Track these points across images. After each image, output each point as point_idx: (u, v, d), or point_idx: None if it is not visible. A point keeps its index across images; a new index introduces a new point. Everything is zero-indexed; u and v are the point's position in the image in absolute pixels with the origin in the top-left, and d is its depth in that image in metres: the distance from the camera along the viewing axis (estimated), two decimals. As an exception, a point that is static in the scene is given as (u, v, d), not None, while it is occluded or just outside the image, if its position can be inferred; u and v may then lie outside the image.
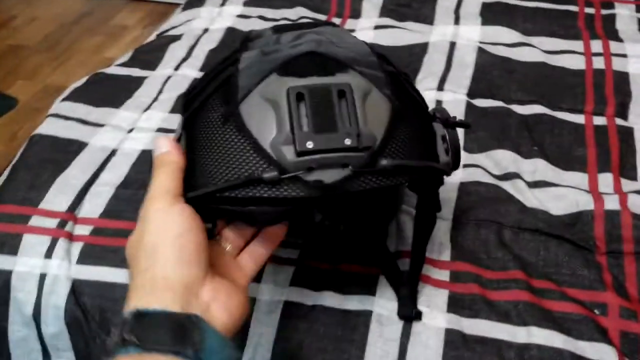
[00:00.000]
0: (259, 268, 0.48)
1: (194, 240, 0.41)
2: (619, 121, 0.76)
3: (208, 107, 0.45)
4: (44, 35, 2.11)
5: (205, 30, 0.99)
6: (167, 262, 0.40)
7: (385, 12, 1.01)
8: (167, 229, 0.41)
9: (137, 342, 0.35)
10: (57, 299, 0.64)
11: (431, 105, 0.81)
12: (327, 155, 0.40)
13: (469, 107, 0.79)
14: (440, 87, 0.83)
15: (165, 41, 0.98)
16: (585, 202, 0.65)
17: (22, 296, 0.65)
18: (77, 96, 0.87)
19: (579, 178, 0.69)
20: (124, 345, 0.36)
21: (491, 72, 0.85)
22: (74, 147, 0.78)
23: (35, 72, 1.93)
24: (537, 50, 0.89)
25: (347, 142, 0.40)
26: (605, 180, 0.69)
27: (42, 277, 0.65)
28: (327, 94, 0.41)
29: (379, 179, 0.41)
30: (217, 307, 0.40)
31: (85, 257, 0.66)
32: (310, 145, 0.40)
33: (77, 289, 0.64)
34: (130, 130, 0.81)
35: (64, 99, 0.87)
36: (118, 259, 0.66)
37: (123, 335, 0.36)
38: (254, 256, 0.48)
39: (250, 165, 0.41)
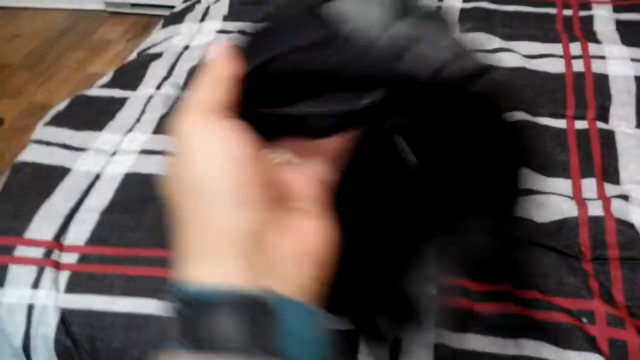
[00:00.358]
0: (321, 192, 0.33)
1: (254, 167, 0.28)
2: (600, 124, 0.77)
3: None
4: (27, 52, 2.09)
5: (186, 48, 0.99)
6: (225, 206, 0.27)
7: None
8: (215, 155, 0.28)
9: (195, 343, 0.25)
10: (46, 329, 0.64)
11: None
12: None
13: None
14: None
15: (146, 60, 0.97)
16: (569, 209, 0.65)
17: (10, 328, 0.64)
18: (59, 120, 0.86)
19: (563, 184, 0.69)
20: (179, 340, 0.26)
21: (472, 80, 0.85)
22: (57, 174, 0.78)
23: (19, 91, 1.91)
24: (516, 55, 0.89)
25: None
26: (589, 186, 0.69)
27: (30, 307, 0.65)
28: None
29: None
30: (292, 255, 0.28)
31: (73, 286, 0.66)
32: None
33: (67, 318, 0.64)
34: (114, 154, 0.81)
35: (46, 124, 0.86)
36: (106, 286, 0.65)
37: (176, 330, 0.27)
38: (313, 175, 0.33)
39: None
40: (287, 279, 0.27)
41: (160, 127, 0.84)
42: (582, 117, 0.78)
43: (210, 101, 0.29)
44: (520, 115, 0.78)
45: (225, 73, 0.31)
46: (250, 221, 0.27)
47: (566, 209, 0.65)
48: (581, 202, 0.67)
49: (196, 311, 0.26)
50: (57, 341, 0.63)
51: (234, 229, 0.27)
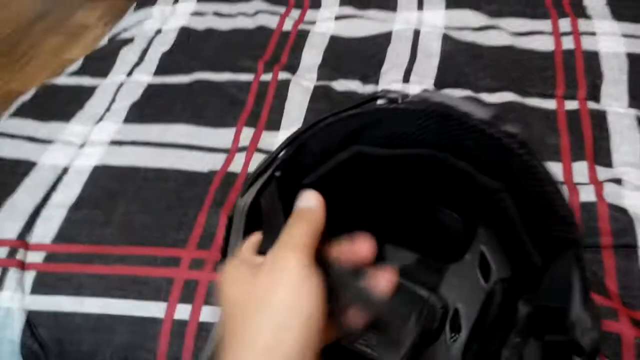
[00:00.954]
0: None
1: (319, 324, 0.31)
2: (591, 104, 0.73)
3: None
4: (1, 38, 2.02)
5: (158, 32, 0.94)
6: (293, 348, 0.29)
7: (346, 0, 0.96)
8: (302, 300, 0.31)
9: None
10: (11, 333, 0.60)
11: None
12: None
13: (437, 98, 0.75)
14: (406, 79, 0.79)
15: (117, 46, 0.93)
16: (560, 195, 0.62)
17: (-27, 332, 0.61)
18: (24, 111, 0.82)
19: (553, 168, 0.66)
20: None
21: (458, 60, 0.81)
22: (22, 169, 0.74)
23: (-6, 78, 1.85)
24: (504, 32, 0.86)
25: None
26: (580, 169, 0.66)
27: (-6, 310, 0.61)
28: None
29: None
30: None
31: (39, 286, 0.62)
32: None
33: (33, 320, 0.61)
34: (82, 145, 0.77)
35: (11, 115, 0.82)
36: (74, 286, 0.62)
37: None
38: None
39: None
40: None
41: (131, 116, 0.80)
42: (572, 97, 0.75)
43: (305, 246, 0.32)
44: (508, 96, 0.74)
45: (315, 225, 0.34)
46: None
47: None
48: (572, 188, 0.64)
49: None
50: (24, 345, 0.60)
51: None
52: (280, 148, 0.38)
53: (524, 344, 0.37)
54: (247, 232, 0.36)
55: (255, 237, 0.35)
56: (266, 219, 0.36)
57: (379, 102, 0.38)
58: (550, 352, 0.35)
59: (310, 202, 0.35)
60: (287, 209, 0.35)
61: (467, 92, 0.76)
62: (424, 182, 0.41)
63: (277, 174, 0.37)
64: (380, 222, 0.45)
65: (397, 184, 0.42)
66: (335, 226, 0.35)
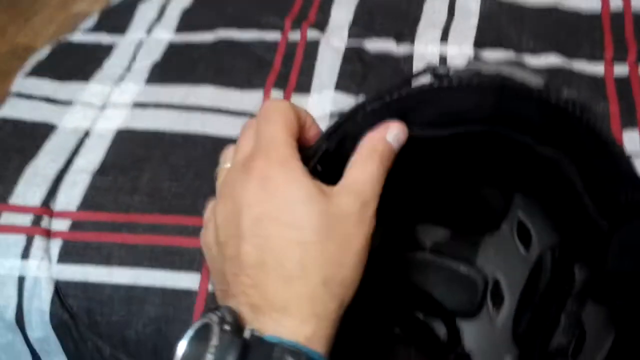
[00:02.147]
0: None
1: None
2: (642, 69, 0.69)
3: None
4: (5, -9, 1.95)
5: (179, -15, 0.89)
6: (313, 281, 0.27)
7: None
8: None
9: None
10: (40, 303, 0.59)
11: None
12: None
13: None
14: (444, 39, 0.75)
15: (133, 0, 0.88)
16: (611, 166, 0.59)
17: (1, 301, 0.60)
18: (41, 70, 0.78)
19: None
20: None
21: (498, 20, 0.77)
22: (42, 131, 0.71)
23: (1, 32, 1.80)
24: (547, -9, 0.81)
25: None
26: (632, 139, 0.63)
27: (21, 279, 0.60)
28: None
29: None
30: None
31: (67, 256, 0.61)
32: None
33: (61, 290, 0.59)
34: (103, 107, 0.74)
35: (27, 74, 0.78)
36: (103, 256, 0.60)
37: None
38: None
39: None
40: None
41: (153, 77, 0.76)
42: (622, 60, 0.71)
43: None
44: (554, 59, 0.71)
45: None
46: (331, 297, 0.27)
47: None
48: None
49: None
50: (53, 315, 0.59)
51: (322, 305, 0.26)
52: (322, 139, 0.34)
53: (582, 309, 0.37)
54: None
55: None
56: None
57: (426, 78, 0.35)
58: (620, 316, 0.34)
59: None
60: None
61: (510, 54, 0.72)
62: (474, 159, 0.39)
63: (319, 168, 0.35)
64: (414, 202, 0.43)
65: (444, 164, 0.40)
66: None
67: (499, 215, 0.44)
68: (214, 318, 0.25)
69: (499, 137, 0.35)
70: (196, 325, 0.25)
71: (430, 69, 0.35)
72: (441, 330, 0.43)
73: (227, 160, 0.32)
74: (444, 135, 0.35)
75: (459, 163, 0.40)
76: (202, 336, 0.24)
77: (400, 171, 0.37)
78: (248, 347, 0.24)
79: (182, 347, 0.25)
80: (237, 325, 0.25)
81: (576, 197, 0.34)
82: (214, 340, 0.24)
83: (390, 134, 0.31)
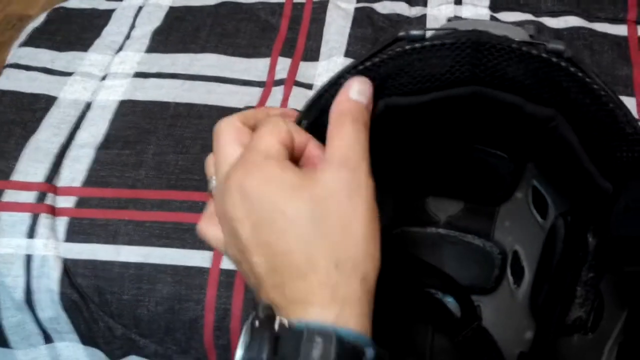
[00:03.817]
0: None
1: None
2: (666, 29, 0.66)
3: None
4: (-6, -46, 1.88)
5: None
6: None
7: None
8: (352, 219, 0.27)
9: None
10: (49, 282, 0.58)
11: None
12: None
13: (493, 22, 0.68)
14: (457, 1, 0.71)
15: (131, -37, 0.84)
16: (636, 134, 0.57)
17: (9, 281, 0.58)
18: (37, 39, 0.75)
19: (626, 103, 0.60)
20: None
21: (515, -22, 0.73)
22: (41, 104, 0.68)
23: (-9, 0, 1.74)
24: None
25: None
26: (656, 105, 0.60)
27: (28, 258, 0.58)
28: None
29: None
30: None
31: (73, 234, 0.59)
32: None
33: (70, 269, 0.58)
34: (104, 77, 0.71)
35: (23, 44, 0.75)
36: (109, 233, 0.58)
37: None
38: None
39: None
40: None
41: (154, 44, 0.73)
42: (645, 21, 0.67)
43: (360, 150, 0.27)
44: (574, 21, 0.67)
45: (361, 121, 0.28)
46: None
47: (632, 133, 0.57)
48: (647, 124, 0.58)
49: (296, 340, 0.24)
50: (63, 294, 0.57)
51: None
52: (302, 115, 0.32)
53: (599, 279, 0.35)
54: None
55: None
56: None
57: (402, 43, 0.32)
58: (631, 284, 0.32)
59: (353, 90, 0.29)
60: None
61: (527, 16, 0.69)
62: (463, 123, 0.36)
63: None
64: (419, 175, 0.41)
65: (433, 131, 0.37)
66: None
67: (512, 184, 0.42)
68: (250, 317, 0.25)
69: (484, 99, 0.32)
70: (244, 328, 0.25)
71: (405, 33, 0.32)
72: (457, 306, 0.42)
73: (212, 176, 0.30)
74: (425, 101, 0.32)
75: (450, 128, 0.37)
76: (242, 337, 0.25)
77: (396, 142, 0.34)
78: (278, 338, 0.24)
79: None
80: (269, 319, 0.25)
81: (576, 160, 0.32)
82: (246, 337, 0.24)
83: (353, 90, 0.29)
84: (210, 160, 0.30)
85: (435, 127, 0.37)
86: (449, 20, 0.34)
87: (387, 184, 0.31)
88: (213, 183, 0.29)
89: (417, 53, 0.30)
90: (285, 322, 0.24)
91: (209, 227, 0.29)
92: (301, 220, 0.25)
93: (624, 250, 0.31)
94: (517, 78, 0.31)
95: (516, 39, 0.30)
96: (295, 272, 0.25)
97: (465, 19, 0.31)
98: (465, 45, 0.30)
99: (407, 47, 0.30)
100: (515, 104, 0.31)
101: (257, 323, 0.24)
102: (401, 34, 0.31)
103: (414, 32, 0.31)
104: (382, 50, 0.31)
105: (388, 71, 0.31)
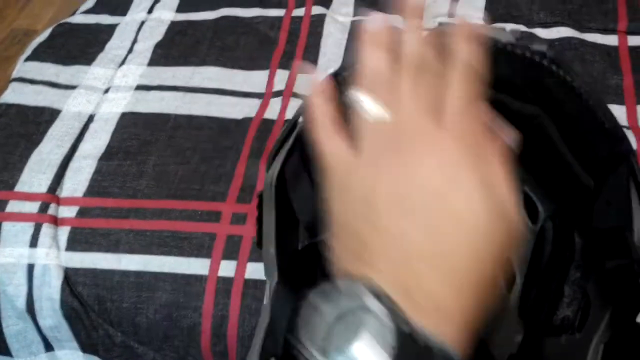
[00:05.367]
0: None
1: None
2: (658, 39, 0.67)
3: None
4: (2, -27, 1.92)
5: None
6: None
7: None
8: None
9: None
10: (50, 290, 0.59)
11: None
12: None
13: (487, 34, 0.70)
14: (451, 13, 0.73)
15: (134, -21, 0.86)
16: (627, 142, 0.58)
17: (11, 290, 0.59)
18: (42, 54, 0.77)
19: (616, 111, 0.61)
20: None
21: (509, -9, 0.74)
22: (45, 116, 0.70)
23: (-1, 16, 1.77)
24: (558, -41, 0.78)
25: None
26: (648, 114, 0.61)
27: (30, 267, 0.59)
28: None
29: None
30: None
31: (75, 243, 0.60)
32: None
33: (71, 278, 0.59)
34: (107, 90, 0.72)
35: (28, 58, 0.77)
36: (110, 242, 0.59)
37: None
38: None
39: None
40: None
41: (156, 58, 0.75)
42: (636, 32, 0.68)
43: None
44: (565, 31, 0.68)
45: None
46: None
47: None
48: (638, 132, 0.59)
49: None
50: (63, 302, 0.58)
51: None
52: (300, 112, 0.33)
53: (586, 279, 0.35)
54: (278, 207, 0.32)
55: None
56: (292, 190, 0.32)
57: None
58: (615, 281, 0.32)
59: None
60: (312, 175, 0.31)
61: (520, 27, 0.70)
62: None
63: (299, 139, 0.32)
64: None
65: None
66: None
67: None
68: (374, 305, 0.21)
69: None
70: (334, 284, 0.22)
71: None
72: None
73: (380, 104, 0.24)
74: None
75: None
76: (377, 335, 0.21)
77: None
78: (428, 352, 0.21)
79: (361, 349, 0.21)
80: (398, 315, 0.21)
81: (559, 156, 0.32)
82: (375, 315, 0.21)
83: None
84: (370, 82, 0.25)
85: None
86: (440, 24, 0.35)
87: None
88: (383, 117, 0.24)
89: None
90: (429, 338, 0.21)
91: (340, 145, 0.25)
92: (478, 232, 0.23)
93: (606, 243, 0.31)
94: (503, 77, 0.32)
95: (502, 40, 0.31)
96: (448, 276, 0.22)
97: (454, 23, 0.32)
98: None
99: None
100: (502, 101, 0.32)
101: (389, 322, 0.21)
102: None
103: None
104: None
105: None
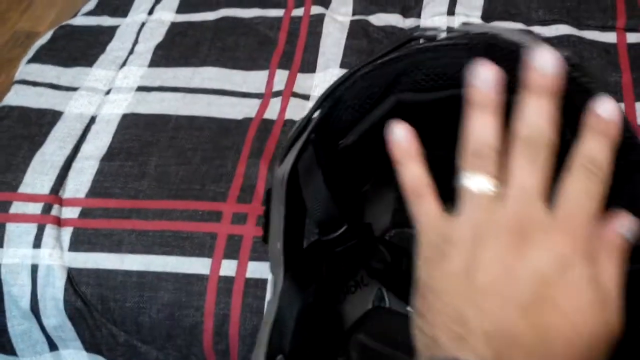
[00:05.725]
0: None
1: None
2: (656, 36, 0.67)
3: None
4: (4, -25, 1.93)
5: (177, -36, 0.87)
6: None
7: None
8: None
9: None
10: (54, 290, 0.59)
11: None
12: None
13: (485, 32, 0.70)
14: (450, 11, 0.73)
15: (134, -19, 0.86)
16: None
17: (16, 290, 0.60)
18: (43, 56, 0.78)
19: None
20: None
21: (507, -11, 0.75)
22: (47, 118, 0.70)
23: (1, 19, 1.78)
24: (556, -43, 0.78)
25: None
26: (646, 110, 0.61)
27: (34, 268, 0.60)
28: None
29: None
30: None
31: (78, 243, 0.61)
32: None
33: (74, 278, 0.60)
34: (108, 92, 0.73)
35: (30, 61, 0.78)
36: (113, 242, 0.60)
37: None
38: None
39: None
40: None
41: (156, 59, 0.76)
42: (634, 29, 0.69)
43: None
44: (564, 29, 0.69)
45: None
46: None
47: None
48: (637, 129, 0.59)
49: None
50: (67, 302, 0.59)
51: None
52: (316, 106, 0.33)
53: None
54: (288, 204, 0.32)
55: None
56: (304, 187, 0.32)
57: (417, 42, 0.33)
58: (629, 285, 0.33)
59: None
60: (326, 173, 0.31)
61: (519, 25, 0.70)
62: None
63: (313, 136, 0.33)
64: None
65: (440, 130, 0.38)
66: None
67: None
68: None
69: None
70: None
71: (420, 32, 0.33)
72: None
73: (482, 173, 0.24)
74: (436, 98, 0.33)
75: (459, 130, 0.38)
76: None
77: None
78: None
79: None
80: None
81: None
82: None
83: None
84: (481, 153, 0.24)
85: (443, 126, 0.37)
86: (464, 24, 0.35)
87: (391, 184, 0.32)
88: (486, 184, 0.23)
89: (431, 51, 0.32)
90: None
91: (436, 215, 0.24)
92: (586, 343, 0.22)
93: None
94: (519, 79, 0.32)
95: (525, 44, 0.31)
96: None
97: (479, 23, 0.33)
98: (478, 46, 0.31)
99: (421, 45, 0.32)
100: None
101: None
102: (416, 34, 0.33)
103: (429, 33, 0.32)
104: (397, 48, 0.32)
105: (403, 67, 0.32)
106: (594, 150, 0.24)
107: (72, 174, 0.65)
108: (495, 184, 0.23)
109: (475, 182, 0.24)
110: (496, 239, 0.23)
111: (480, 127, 0.24)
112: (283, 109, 0.68)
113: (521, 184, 0.23)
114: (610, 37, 0.68)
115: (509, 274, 0.22)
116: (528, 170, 0.23)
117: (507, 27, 0.32)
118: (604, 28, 0.69)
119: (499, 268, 0.22)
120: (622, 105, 0.63)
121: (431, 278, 0.24)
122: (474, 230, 0.23)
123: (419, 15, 0.75)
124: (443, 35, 0.32)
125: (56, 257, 0.60)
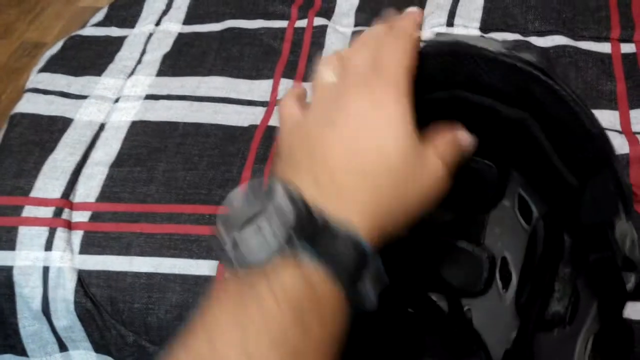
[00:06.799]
0: None
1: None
2: (649, 46, 0.70)
3: None
4: (11, -14, 1.96)
5: (185, -24, 0.90)
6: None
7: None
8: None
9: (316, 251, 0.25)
10: (64, 292, 0.61)
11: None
12: None
13: (483, 43, 0.72)
14: (449, 22, 0.75)
15: (142, -8, 0.89)
16: (619, 146, 0.60)
17: (27, 292, 0.62)
18: (54, 65, 0.80)
19: (610, 116, 0.63)
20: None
21: (504, 1, 0.77)
22: (58, 125, 0.72)
23: (9, 30, 1.81)
24: (553, -30, 0.80)
25: None
26: (639, 117, 0.63)
27: (46, 270, 0.62)
28: None
29: None
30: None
31: (88, 246, 0.63)
32: None
33: (84, 280, 0.61)
34: (117, 100, 0.75)
35: (41, 70, 0.80)
36: (122, 245, 0.62)
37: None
38: None
39: None
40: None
41: (164, 68, 0.78)
42: (628, 40, 0.71)
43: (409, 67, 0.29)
44: (560, 39, 0.71)
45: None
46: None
47: (615, 145, 0.59)
48: (631, 137, 0.61)
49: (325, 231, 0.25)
50: (77, 304, 0.61)
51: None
52: None
53: (575, 275, 0.37)
54: None
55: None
56: None
57: None
58: (599, 273, 0.35)
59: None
60: None
61: (516, 36, 0.73)
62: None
63: None
64: None
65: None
66: None
67: (498, 191, 0.45)
68: (275, 183, 0.25)
69: (462, 102, 0.35)
70: (252, 182, 0.26)
71: None
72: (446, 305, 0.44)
73: (330, 70, 0.30)
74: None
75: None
76: (263, 193, 0.25)
77: None
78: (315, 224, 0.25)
79: (237, 196, 0.25)
80: (299, 199, 0.25)
81: (546, 158, 0.35)
82: (279, 199, 0.24)
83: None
84: (331, 57, 0.31)
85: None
86: (437, 34, 0.37)
87: None
88: (329, 75, 0.30)
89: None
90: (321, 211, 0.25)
91: (293, 107, 0.31)
92: (393, 156, 0.28)
93: (589, 237, 0.34)
94: (492, 84, 0.34)
95: (493, 50, 0.33)
96: (366, 179, 0.27)
97: (449, 33, 0.35)
98: (446, 54, 0.33)
99: None
100: (491, 107, 0.35)
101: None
102: None
103: None
104: None
105: None
106: (401, 21, 0.32)
107: (82, 179, 0.67)
108: (336, 73, 0.30)
109: (322, 76, 0.30)
110: (329, 104, 0.29)
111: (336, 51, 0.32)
112: (287, 117, 0.70)
113: (353, 64, 0.30)
114: (605, 48, 0.71)
115: (332, 116, 0.28)
116: (358, 53, 0.30)
117: (474, 36, 0.35)
118: (598, 39, 0.71)
119: (325, 117, 0.28)
120: (617, 113, 0.65)
121: (284, 148, 0.30)
122: (315, 109, 0.29)
123: (420, 27, 0.77)
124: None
125: (67, 260, 0.62)
